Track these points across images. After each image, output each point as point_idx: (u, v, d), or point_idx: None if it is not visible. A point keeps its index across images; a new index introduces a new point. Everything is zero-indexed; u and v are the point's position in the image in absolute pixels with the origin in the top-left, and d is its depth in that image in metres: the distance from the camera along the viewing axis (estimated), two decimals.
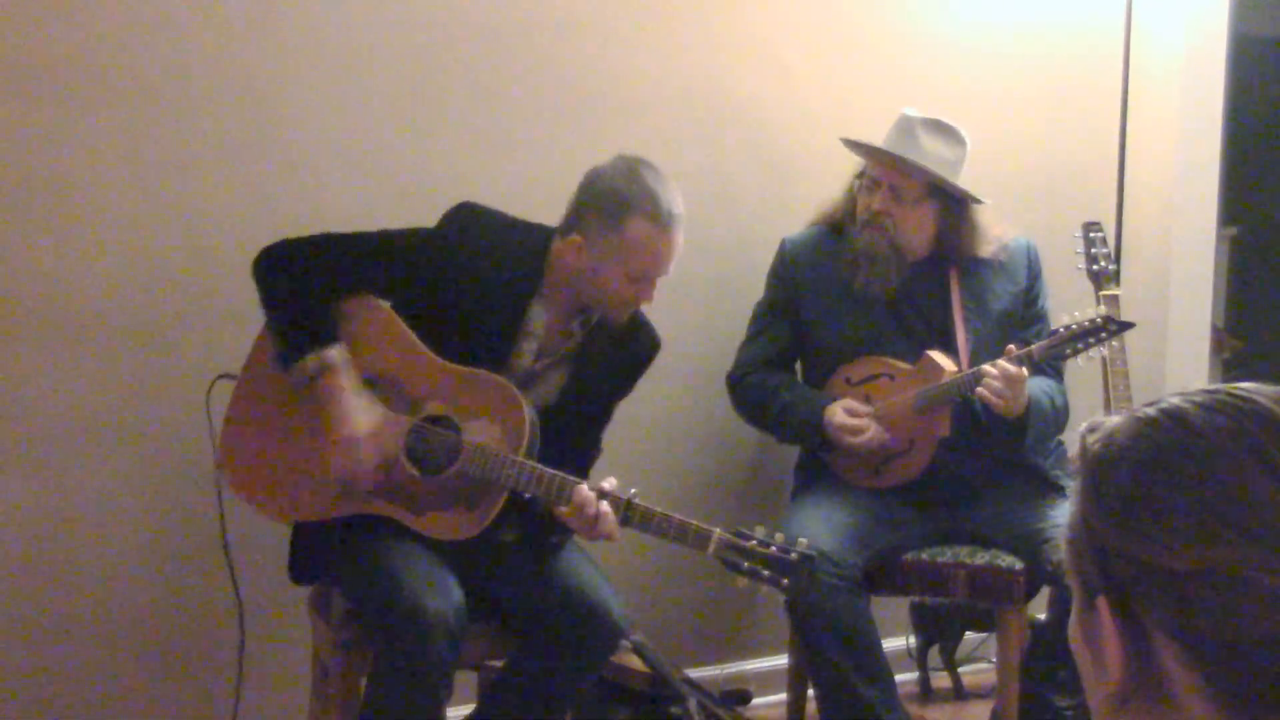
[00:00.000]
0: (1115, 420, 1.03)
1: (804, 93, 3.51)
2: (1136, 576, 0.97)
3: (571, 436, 2.67)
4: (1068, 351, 2.86)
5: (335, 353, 2.56)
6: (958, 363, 2.99)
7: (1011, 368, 2.85)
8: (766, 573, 2.42)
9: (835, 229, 3.10)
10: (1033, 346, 2.89)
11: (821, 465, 3.16)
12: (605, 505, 2.43)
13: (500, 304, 2.62)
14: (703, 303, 3.47)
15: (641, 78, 3.32)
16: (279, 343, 2.58)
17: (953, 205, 2.98)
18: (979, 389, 2.88)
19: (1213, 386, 1.02)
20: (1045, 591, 3.09)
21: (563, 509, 2.47)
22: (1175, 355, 3.92)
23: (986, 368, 2.88)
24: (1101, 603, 0.99)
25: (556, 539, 2.65)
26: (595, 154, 2.76)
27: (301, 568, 2.71)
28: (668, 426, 3.47)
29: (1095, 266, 3.21)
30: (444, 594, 2.46)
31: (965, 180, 3.06)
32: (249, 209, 3.04)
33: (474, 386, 2.56)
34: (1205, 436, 0.97)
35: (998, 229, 3.08)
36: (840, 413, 2.97)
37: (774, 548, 2.43)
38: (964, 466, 3.09)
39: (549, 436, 2.58)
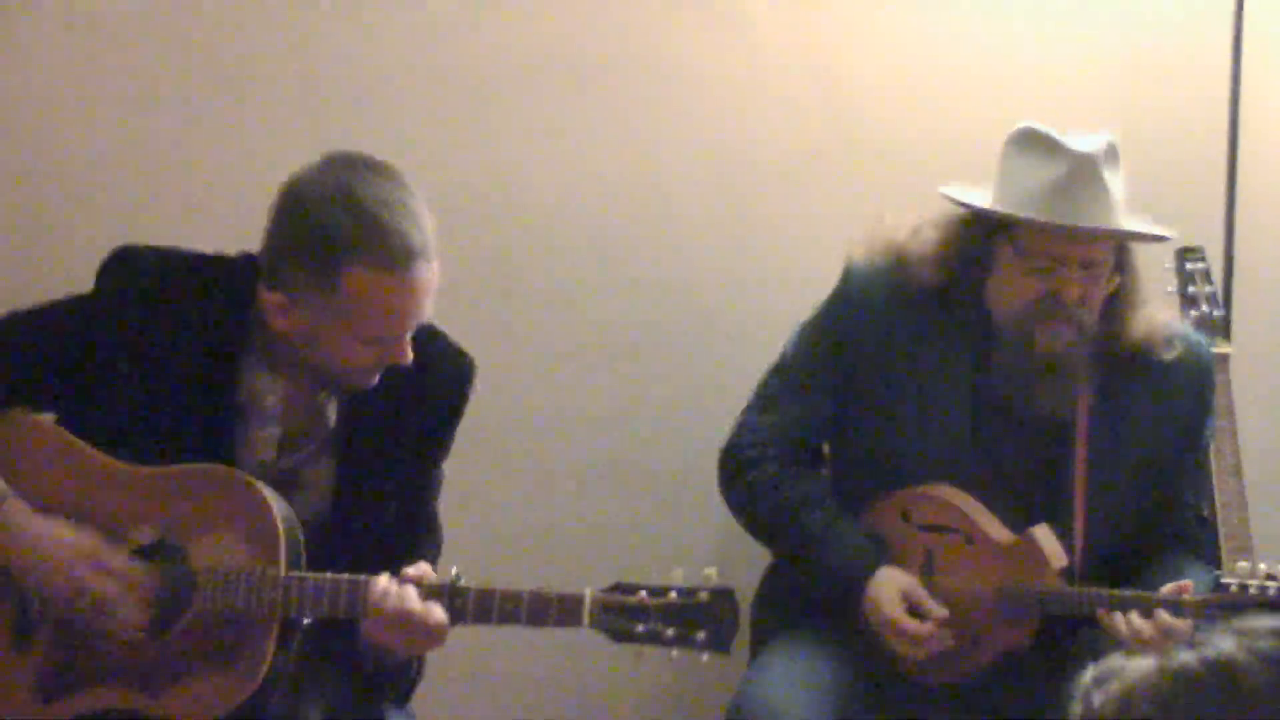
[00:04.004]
0: (1135, 669, 0.99)
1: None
2: None
3: (376, 540, 2.56)
4: (1230, 618, 2.59)
5: None
6: (1069, 550, 2.79)
7: (1177, 623, 2.66)
8: (671, 631, 2.37)
9: (927, 289, 2.86)
10: (1188, 593, 2.68)
11: (800, 597, 2.91)
12: (412, 591, 2.38)
13: (198, 377, 2.52)
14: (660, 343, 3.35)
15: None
16: None
17: (1120, 259, 2.82)
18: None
19: None
20: None
21: (367, 621, 2.41)
22: None
23: (1133, 620, 2.67)
24: None
25: (394, 690, 2.59)
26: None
27: None
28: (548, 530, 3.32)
29: (1195, 311, 3.12)
30: None
31: None
32: None
33: (190, 488, 2.49)
34: (1262, 704, 0.92)
35: (1157, 305, 2.92)
36: (897, 602, 2.75)
37: (673, 592, 2.39)
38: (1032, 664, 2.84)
39: (341, 557, 2.48)
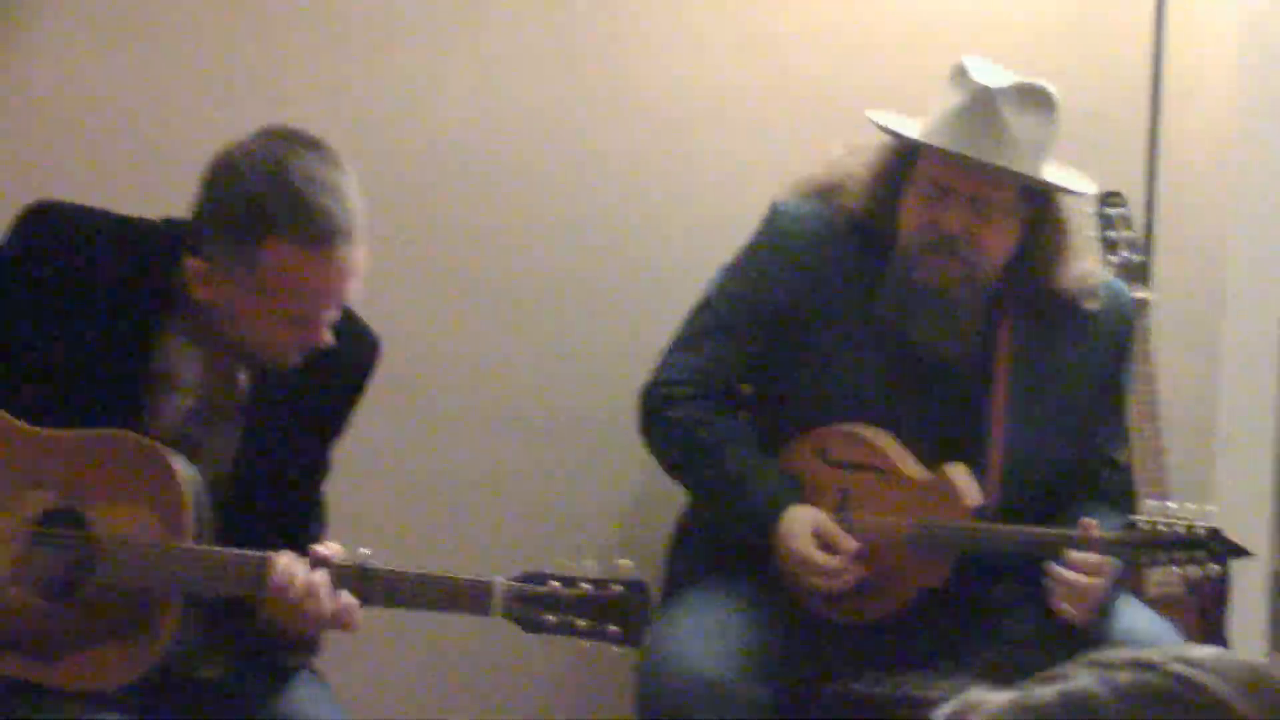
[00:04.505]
0: (992, 704, 0.97)
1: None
2: None
3: (267, 513, 2.56)
4: (1142, 559, 2.72)
5: None
6: (983, 488, 2.81)
7: (1092, 557, 2.69)
8: (583, 623, 2.37)
9: (853, 222, 2.87)
10: (1095, 530, 2.71)
11: (714, 548, 2.91)
12: (320, 575, 2.36)
13: (112, 341, 2.48)
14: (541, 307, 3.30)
15: None
16: None
17: (1043, 210, 2.81)
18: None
19: (1153, 653, 0.97)
20: None
21: (267, 601, 2.40)
22: (1233, 379, 3.57)
23: (1058, 572, 2.70)
24: None
25: (293, 659, 2.56)
26: None
27: None
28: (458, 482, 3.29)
29: (1115, 257, 3.11)
30: None
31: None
32: None
33: (95, 454, 2.46)
34: None
35: (1086, 257, 2.91)
36: (808, 538, 2.76)
37: (585, 584, 2.38)
38: (946, 596, 2.85)
39: (232, 522, 2.50)
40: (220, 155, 2.43)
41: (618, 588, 2.37)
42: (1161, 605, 2.96)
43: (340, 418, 2.65)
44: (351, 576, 2.39)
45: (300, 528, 2.58)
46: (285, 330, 2.43)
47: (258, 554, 2.39)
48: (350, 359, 2.60)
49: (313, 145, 2.42)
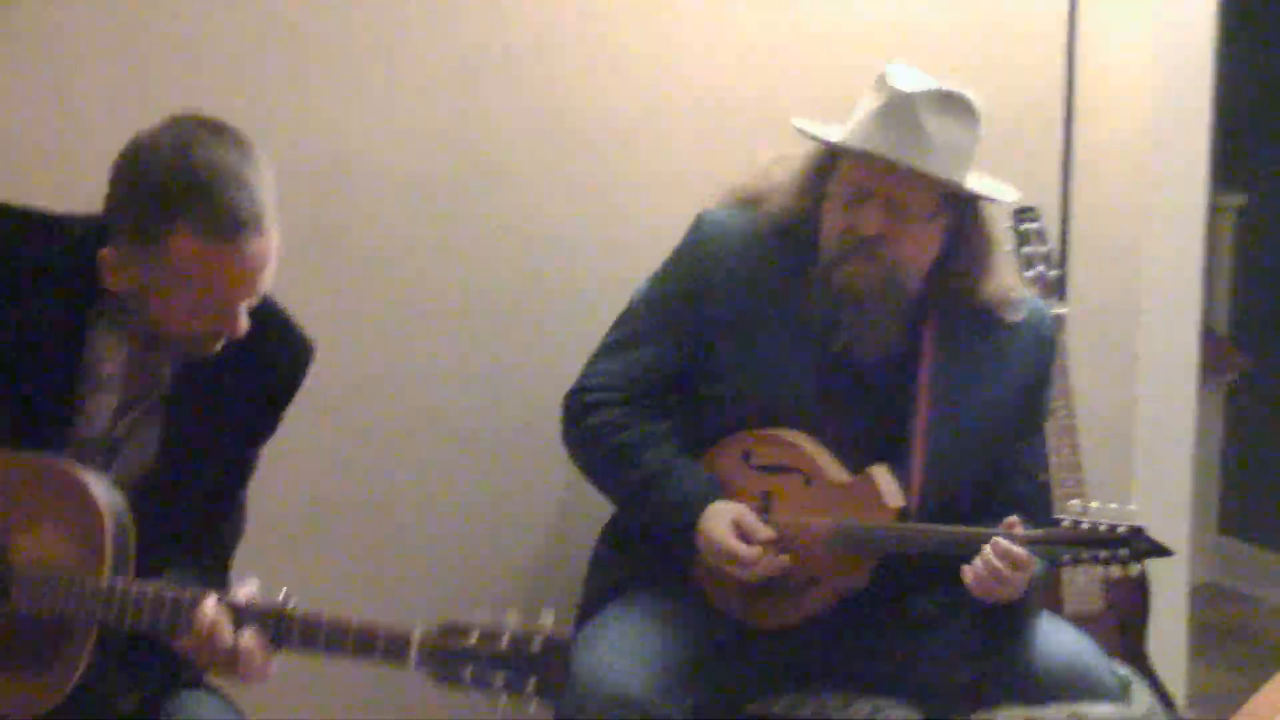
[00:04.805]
0: None
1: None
2: None
3: (187, 514, 2.52)
4: (1065, 557, 2.69)
5: None
6: (905, 490, 2.80)
7: (1019, 551, 2.67)
8: (501, 678, 2.28)
9: (778, 228, 2.88)
10: (1018, 528, 2.71)
11: (634, 562, 2.90)
12: (247, 637, 2.29)
13: (41, 341, 2.44)
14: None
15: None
16: None
17: (966, 218, 2.81)
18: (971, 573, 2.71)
19: (1049, 711, 0.90)
20: None
21: (184, 641, 2.31)
22: (1152, 386, 3.66)
23: (988, 554, 2.69)
24: None
25: (187, 673, 2.52)
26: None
27: None
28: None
29: (1030, 272, 3.12)
30: None
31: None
32: None
33: (16, 480, 2.41)
34: None
35: (1008, 270, 2.93)
36: (728, 529, 2.76)
37: (506, 637, 2.29)
38: (868, 610, 2.86)
39: (151, 522, 2.43)
40: (129, 144, 2.39)
41: (537, 646, 2.30)
42: (1082, 621, 2.96)
43: (267, 420, 2.62)
44: (272, 621, 2.34)
45: (217, 530, 2.57)
46: (198, 319, 2.40)
47: (180, 593, 2.35)
48: (280, 361, 2.59)
49: (221, 133, 2.38)
